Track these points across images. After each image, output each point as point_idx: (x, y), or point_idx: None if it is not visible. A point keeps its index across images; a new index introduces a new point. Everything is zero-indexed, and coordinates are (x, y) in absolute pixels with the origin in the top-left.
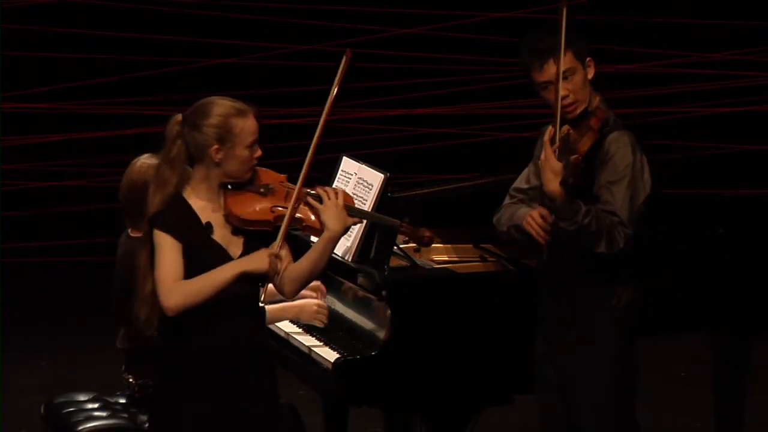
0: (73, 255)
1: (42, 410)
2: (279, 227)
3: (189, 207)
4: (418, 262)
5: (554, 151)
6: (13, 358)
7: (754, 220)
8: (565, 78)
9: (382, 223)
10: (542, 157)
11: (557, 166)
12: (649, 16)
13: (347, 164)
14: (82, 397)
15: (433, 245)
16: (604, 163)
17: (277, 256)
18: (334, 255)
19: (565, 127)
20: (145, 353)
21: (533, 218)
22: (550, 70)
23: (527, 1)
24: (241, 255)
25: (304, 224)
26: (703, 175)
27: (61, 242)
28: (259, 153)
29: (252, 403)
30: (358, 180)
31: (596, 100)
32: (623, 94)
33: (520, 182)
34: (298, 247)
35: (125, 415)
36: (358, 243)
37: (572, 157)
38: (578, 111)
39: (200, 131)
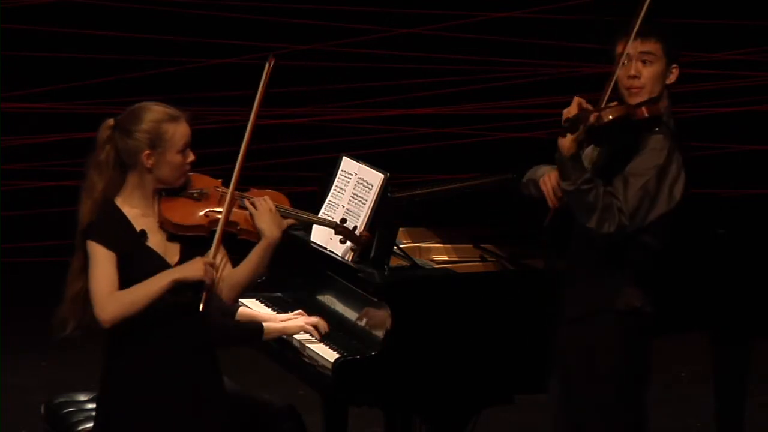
0: (73, 255)
1: (42, 410)
2: (214, 231)
3: (122, 215)
4: (418, 262)
5: (584, 108)
6: (13, 358)
7: (754, 220)
8: (643, 61)
9: (319, 224)
10: (565, 111)
11: (581, 130)
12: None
13: (347, 164)
14: (82, 397)
15: (433, 245)
16: (634, 158)
17: (212, 264)
18: (334, 255)
19: (613, 103)
20: None
21: (549, 179)
22: (634, 45)
23: (527, 1)
24: (179, 261)
25: (239, 228)
26: (703, 175)
27: (61, 242)
28: (192, 158)
29: (197, 411)
30: (358, 180)
31: (663, 105)
32: None
33: None
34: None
35: None
36: None
37: (592, 116)
38: (640, 98)
39: (131, 137)
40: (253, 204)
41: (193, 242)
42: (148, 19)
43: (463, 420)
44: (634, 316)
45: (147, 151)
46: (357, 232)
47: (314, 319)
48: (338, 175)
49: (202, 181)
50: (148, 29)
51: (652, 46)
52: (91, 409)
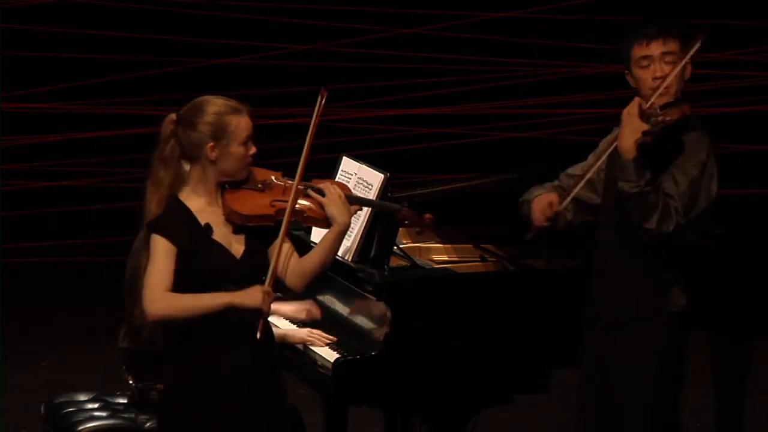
0: (73, 255)
1: (42, 410)
2: (281, 221)
3: (186, 209)
4: (418, 262)
5: (642, 110)
6: (13, 358)
7: (754, 220)
8: (666, 62)
9: (383, 209)
10: (625, 111)
11: (638, 123)
12: (648, 16)
13: (347, 164)
14: (82, 397)
15: (433, 245)
16: (677, 156)
17: (269, 293)
18: None
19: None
20: (146, 354)
21: (541, 200)
22: (655, 47)
23: (527, 1)
24: (244, 253)
25: (305, 215)
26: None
27: (61, 242)
28: (254, 150)
29: (258, 413)
30: (358, 180)
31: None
32: (623, 94)
33: (574, 168)
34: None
35: (125, 416)
36: (358, 243)
37: (659, 117)
38: (667, 98)
39: (195, 129)
40: (320, 191)
41: (257, 235)
42: (148, 19)
43: (463, 420)
44: (681, 315)
45: (211, 144)
46: (422, 216)
47: (317, 332)
48: (338, 175)
49: (263, 174)
50: (148, 29)
51: (673, 46)
52: (92, 409)
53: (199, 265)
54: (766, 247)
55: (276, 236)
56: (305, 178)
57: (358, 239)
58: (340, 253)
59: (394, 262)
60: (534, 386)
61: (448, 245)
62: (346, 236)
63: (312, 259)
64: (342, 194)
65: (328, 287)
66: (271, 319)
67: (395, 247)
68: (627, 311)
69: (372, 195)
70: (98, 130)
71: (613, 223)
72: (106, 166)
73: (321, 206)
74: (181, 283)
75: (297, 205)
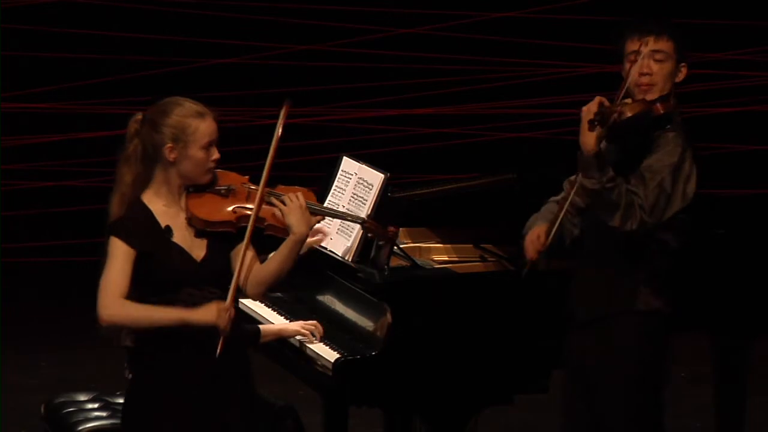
0: (73, 255)
1: (42, 410)
2: (243, 228)
3: (148, 211)
4: (418, 262)
5: (603, 108)
6: (13, 358)
7: (754, 220)
8: (655, 59)
9: (347, 219)
10: (585, 108)
11: (603, 126)
12: (648, 16)
13: (347, 164)
14: (82, 397)
15: (433, 245)
16: (649, 156)
17: (227, 311)
18: (334, 255)
19: (627, 100)
20: None
21: (532, 233)
22: (646, 43)
23: (527, 1)
24: (205, 257)
25: (266, 223)
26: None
27: (61, 242)
28: (216, 156)
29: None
30: (358, 180)
31: (672, 103)
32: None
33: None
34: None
35: None
36: (358, 243)
37: (615, 113)
38: (650, 95)
39: (157, 130)
40: (282, 201)
41: (218, 239)
42: (149, 19)
43: (463, 420)
44: (653, 316)
45: (169, 145)
46: (385, 229)
47: (311, 323)
48: (338, 175)
49: (229, 178)
50: (148, 29)
51: (664, 45)
52: (92, 409)
53: (158, 268)
54: (766, 247)
55: (239, 240)
56: (273, 184)
57: (358, 239)
58: (340, 253)
59: (394, 262)
60: (534, 386)
61: (448, 245)
62: (346, 236)
63: (269, 268)
64: (303, 204)
65: (328, 287)
66: (265, 316)
67: (395, 247)
68: (598, 309)
69: (372, 195)
70: (98, 130)
71: (592, 221)
72: (106, 166)
73: (282, 215)
74: (141, 285)
75: (259, 213)
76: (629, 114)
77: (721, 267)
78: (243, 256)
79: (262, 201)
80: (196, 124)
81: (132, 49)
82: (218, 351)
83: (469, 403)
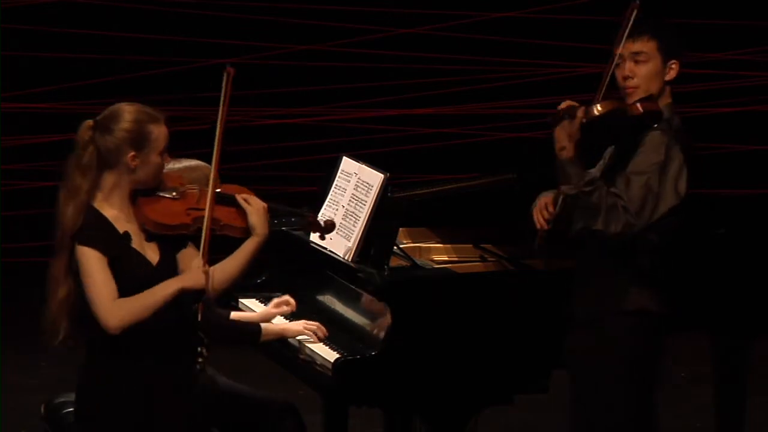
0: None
1: (42, 410)
2: (198, 229)
3: (103, 217)
4: (418, 262)
5: (577, 112)
6: (13, 358)
7: (754, 220)
8: (636, 61)
9: (291, 215)
10: (561, 105)
11: (572, 126)
12: (648, 16)
13: (347, 164)
14: None
15: (433, 245)
16: (634, 156)
17: (207, 272)
18: (334, 255)
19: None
20: None
21: (540, 202)
22: (625, 46)
23: (527, 1)
24: (160, 260)
25: (222, 224)
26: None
27: None
28: (168, 160)
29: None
30: (358, 180)
31: (665, 102)
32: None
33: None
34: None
35: None
36: (358, 243)
37: (579, 110)
38: (635, 97)
39: (112, 135)
40: (247, 201)
41: (169, 242)
42: (148, 19)
43: (463, 420)
44: (643, 317)
45: (132, 153)
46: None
47: (313, 324)
48: (338, 175)
49: (173, 180)
50: (148, 29)
51: (643, 46)
52: None
53: (123, 274)
54: (766, 247)
55: (184, 242)
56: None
57: (358, 239)
58: (340, 253)
59: (394, 262)
60: (534, 386)
61: (448, 245)
62: (346, 236)
63: (230, 267)
64: (265, 205)
65: (328, 287)
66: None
67: (395, 247)
68: (592, 310)
69: (372, 195)
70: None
71: None
72: None
73: (239, 215)
74: None
75: (214, 214)
76: (598, 110)
77: (721, 267)
78: (203, 252)
79: (213, 200)
80: (156, 130)
81: (132, 49)
82: (199, 316)
83: (469, 403)
